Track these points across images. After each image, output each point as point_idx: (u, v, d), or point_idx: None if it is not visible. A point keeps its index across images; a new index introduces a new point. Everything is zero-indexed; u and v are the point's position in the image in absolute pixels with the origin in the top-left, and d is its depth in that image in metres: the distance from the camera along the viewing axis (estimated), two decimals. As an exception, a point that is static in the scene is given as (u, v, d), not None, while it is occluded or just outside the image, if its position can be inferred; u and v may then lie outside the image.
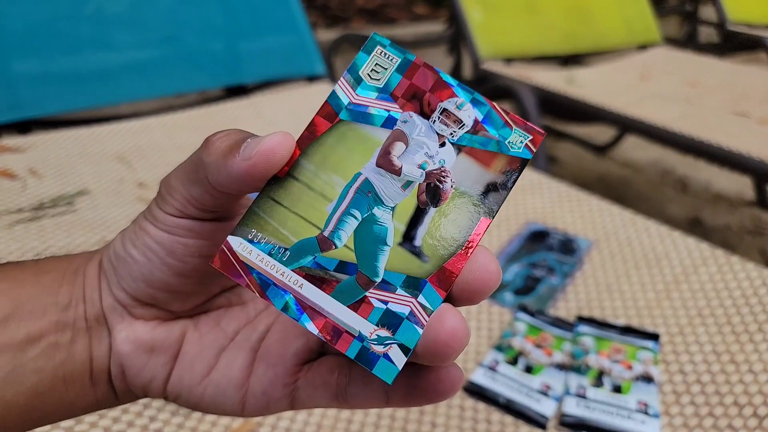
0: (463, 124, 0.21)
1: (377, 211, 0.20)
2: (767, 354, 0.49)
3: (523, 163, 0.21)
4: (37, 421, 0.23)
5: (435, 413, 0.45)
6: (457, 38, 1.33)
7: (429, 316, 0.19)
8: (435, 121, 0.21)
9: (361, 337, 0.19)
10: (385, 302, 0.20)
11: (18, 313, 0.22)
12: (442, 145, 0.21)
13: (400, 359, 0.19)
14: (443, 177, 0.21)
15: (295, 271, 0.20)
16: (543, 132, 0.21)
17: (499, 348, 0.50)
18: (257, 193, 0.20)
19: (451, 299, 0.20)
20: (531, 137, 0.21)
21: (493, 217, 0.21)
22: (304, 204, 0.20)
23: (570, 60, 1.49)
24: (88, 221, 0.67)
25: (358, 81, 0.21)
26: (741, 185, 1.55)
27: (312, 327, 0.19)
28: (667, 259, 0.60)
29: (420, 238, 0.20)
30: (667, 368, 0.49)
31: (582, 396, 0.46)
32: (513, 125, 0.21)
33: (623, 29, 1.47)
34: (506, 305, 0.56)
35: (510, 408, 0.45)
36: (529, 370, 0.49)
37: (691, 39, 2.04)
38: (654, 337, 0.51)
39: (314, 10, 2.05)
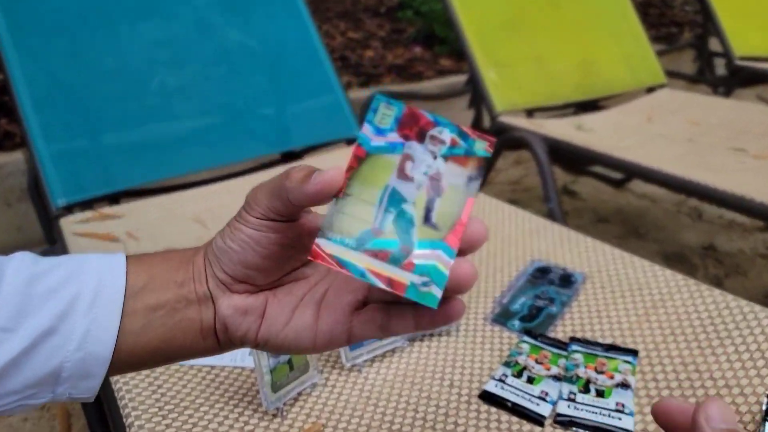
0: (445, 143, 0.32)
1: (404, 206, 0.31)
2: (725, 364, 0.61)
3: (486, 161, 0.32)
4: (166, 359, 0.36)
5: (458, 415, 0.59)
6: (476, 95, 1.49)
7: (450, 263, 0.30)
8: (427, 144, 0.32)
9: (412, 284, 0.30)
10: (422, 260, 0.30)
11: (150, 286, 0.35)
12: (435, 158, 0.32)
13: (438, 292, 0.30)
14: (440, 178, 0.31)
15: (361, 252, 0.30)
16: (493, 138, 0.32)
17: (507, 364, 0.64)
18: (328, 205, 0.31)
19: (459, 251, 0.31)
20: (487, 143, 0.32)
21: (474, 197, 0.31)
22: (358, 210, 0.31)
23: (583, 105, 1.63)
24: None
25: (373, 126, 0.31)
26: (755, 211, 1.63)
27: (379, 283, 0.30)
28: (648, 288, 0.73)
29: (434, 217, 0.31)
30: (643, 377, 0.61)
31: (572, 400, 0.59)
32: (475, 137, 0.32)
33: (629, 75, 1.60)
34: (514, 330, 0.69)
35: (515, 410, 0.59)
36: (530, 380, 0.62)
37: (701, 74, 2.14)
38: (633, 352, 0.64)
39: (348, 69, 2.25)
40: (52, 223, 0.99)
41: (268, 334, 0.35)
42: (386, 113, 0.32)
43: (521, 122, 1.34)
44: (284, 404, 0.60)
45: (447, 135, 0.32)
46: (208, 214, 1.02)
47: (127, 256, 0.36)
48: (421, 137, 0.32)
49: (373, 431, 0.57)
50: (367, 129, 0.32)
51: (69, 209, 1.00)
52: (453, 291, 0.30)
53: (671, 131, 1.38)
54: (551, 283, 0.76)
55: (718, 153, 1.25)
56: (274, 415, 0.59)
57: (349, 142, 1.25)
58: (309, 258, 0.30)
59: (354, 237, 0.31)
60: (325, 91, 1.32)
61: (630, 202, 1.78)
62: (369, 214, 0.31)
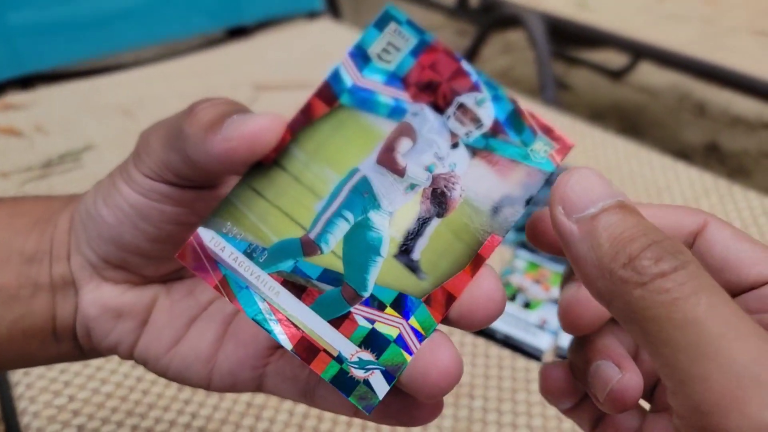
0: (481, 124, 0.19)
1: (373, 215, 0.18)
2: None
3: (543, 176, 0.19)
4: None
5: (435, 350, 0.47)
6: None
7: (420, 343, 0.18)
8: (449, 117, 0.19)
9: (340, 358, 0.18)
10: (372, 321, 0.18)
11: None
12: (455, 146, 0.19)
13: (381, 388, 0.17)
14: (452, 183, 0.18)
15: (272, 276, 0.18)
16: (571, 143, 0.19)
17: (498, 286, 0.52)
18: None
19: (445, 323, 0.18)
20: (557, 147, 0.19)
21: (504, 236, 0.18)
22: (289, 198, 0.18)
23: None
24: (96, 176, 0.68)
25: (365, 61, 0.19)
26: (761, 107, 1.50)
27: (286, 341, 0.18)
28: (669, 190, 0.60)
29: (418, 252, 0.18)
30: (663, 300, 0.50)
31: (578, 329, 0.48)
32: (538, 131, 0.19)
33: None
34: (507, 243, 0.56)
35: (507, 343, 0.47)
36: (527, 305, 0.50)
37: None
38: (652, 269, 0.52)
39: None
40: (-56, 113, 0.80)
41: (145, 354, 0.23)
42: (394, 43, 0.18)
43: (515, -3, 1.15)
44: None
45: (489, 111, 0.18)
46: (138, 104, 0.84)
47: None
48: (442, 102, 0.18)
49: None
50: (350, 61, 0.18)
51: (-38, 96, 0.81)
52: (414, 393, 0.18)
53: (684, 11, 1.21)
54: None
55: (739, 36, 1.11)
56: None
57: (311, 15, 1.05)
58: (176, 257, 0.18)
59: (267, 244, 0.18)
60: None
61: (628, 96, 1.63)
62: (306, 212, 0.18)
